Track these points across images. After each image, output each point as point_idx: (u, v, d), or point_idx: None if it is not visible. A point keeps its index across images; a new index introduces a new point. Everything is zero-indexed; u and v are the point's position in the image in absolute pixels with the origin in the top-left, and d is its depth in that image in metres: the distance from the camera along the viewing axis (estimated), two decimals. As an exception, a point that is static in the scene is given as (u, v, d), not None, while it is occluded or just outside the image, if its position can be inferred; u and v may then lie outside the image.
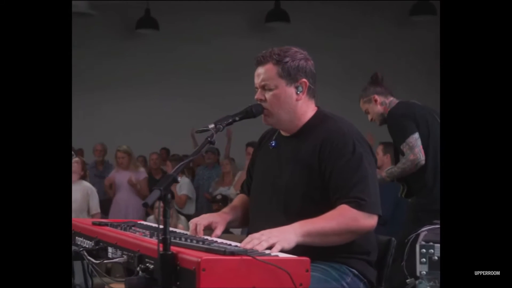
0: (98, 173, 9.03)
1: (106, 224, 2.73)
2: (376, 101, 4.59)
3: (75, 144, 9.39)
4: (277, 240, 2.31)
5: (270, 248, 2.29)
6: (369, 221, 2.52)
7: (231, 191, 8.04)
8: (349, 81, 10.41)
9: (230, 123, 2.59)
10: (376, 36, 11.04)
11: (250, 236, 2.35)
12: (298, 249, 2.33)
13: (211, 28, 11.33)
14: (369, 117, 4.66)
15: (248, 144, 7.75)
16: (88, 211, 6.72)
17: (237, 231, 7.23)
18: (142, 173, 8.50)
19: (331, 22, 11.09)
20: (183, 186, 8.26)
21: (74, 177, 6.62)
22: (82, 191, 6.68)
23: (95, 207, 6.76)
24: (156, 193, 2.11)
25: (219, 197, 7.77)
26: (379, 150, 6.11)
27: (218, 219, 2.74)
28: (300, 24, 10.77)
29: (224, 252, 2.06)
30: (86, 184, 6.86)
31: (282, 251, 2.29)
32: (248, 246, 2.25)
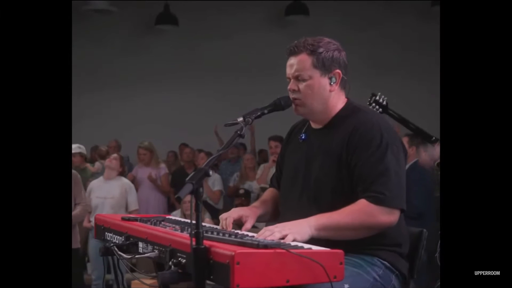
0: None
1: (135, 219, 2.73)
2: None
3: (95, 139, 9.46)
4: (290, 232, 2.31)
5: (282, 239, 2.29)
6: (388, 216, 2.48)
7: (254, 185, 8.03)
8: (369, 74, 10.38)
9: (259, 116, 2.58)
10: (396, 29, 10.97)
11: (264, 228, 2.35)
12: (329, 242, 2.32)
13: (230, 23, 11.33)
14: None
15: (271, 138, 7.72)
16: (126, 208, 6.76)
17: (262, 225, 7.22)
18: (163, 169, 8.54)
19: (351, 15, 11.05)
20: (217, 181, 8.30)
21: (113, 173, 6.71)
22: (120, 187, 6.74)
23: (134, 203, 6.82)
24: (188, 187, 2.11)
25: (241, 191, 7.75)
26: (405, 142, 6.07)
27: (248, 213, 2.73)
28: (320, 17, 10.74)
29: (257, 246, 2.05)
30: (124, 180, 6.92)
31: (295, 241, 2.29)
32: (260, 238, 2.26)
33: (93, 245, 6.55)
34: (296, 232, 2.33)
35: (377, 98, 4.12)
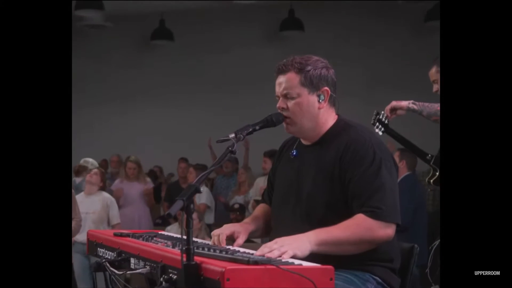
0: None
1: (127, 235, 2.73)
2: None
3: (92, 155, 9.46)
4: (290, 248, 2.32)
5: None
6: (385, 231, 2.49)
7: (251, 195, 8.03)
8: (364, 89, 10.43)
9: (251, 132, 2.59)
10: (391, 44, 11.01)
11: (263, 245, 2.35)
12: (320, 258, 2.32)
13: (225, 38, 11.38)
14: (435, 88, 4.48)
15: (266, 154, 7.72)
16: (108, 222, 6.73)
17: (259, 240, 7.22)
18: (149, 184, 8.56)
19: (345, 30, 11.09)
20: (202, 195, 8.24)
21: (94, 188, 6.71)
22: (102, 202, 6.72)
23: (116, 217, 6.79)
24: (179, 204, 2.12)
25: (236, 206, 7.75)
26: (395, 157, 6.09)
27: (240, 229, 2.73)
28: (315, 32, 10.78)
29: (248, 262, 2.06)
30: (105, 195, 6.90)
31: (295, 258, 2.29)
32: (258, 254, 2.26)
33: (78, 259, 6.51)
34: (296, 247, 2.33)
35: (380, 117, 4.17)
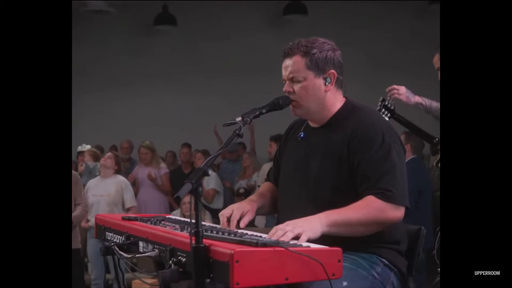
0: (125, 170, 9.07)
1: (136, 219, 2.75)
2: None
3: (97, 141, 9.49)
4: (302, 230, 2.32)
5: (295, 238, 2.30)
6: (395, 212, 2.51)
7: (255, 179, 8.05)
8: (368, 73, 10.39)
9: (257, 116, 2.59)
10: (394, 28, 10.97)
11: (275, 228, 2.35)
12: (327, 240, 2.33)
13: (229, 23, 11.33)
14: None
15: (272, 138, 7.73)
16: (123, 205, 6.80)
17: (261, 224, 7.25)
18: (163, 169, 8.56)
19: (349, 14, 11.04)
20: (211, 180, 8.28)
21: (109, 172, 6.77)
22: (116, 185, 6.80)
23: (130, 200, 6.86)
24: (188, 187, 2.13)
25: (241, 190, 7.78)
26: (401, 139, 6.10)
27: (248, 207, 2.74)
28: (318, 16, 10.74)
29: (256, 244, 2.07)
30: (120, 178, 6.97)
31: (308, 240, 2.30)
32: (273, 238, 2.26)
33: (92, 245, 6.58)
34: (308, 229, 2.34)
35: (386, 103, 4.17)
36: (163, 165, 8.68)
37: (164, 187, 8.45)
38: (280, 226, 2.35)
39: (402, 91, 4.22)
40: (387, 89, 4.20)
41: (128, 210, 6.72)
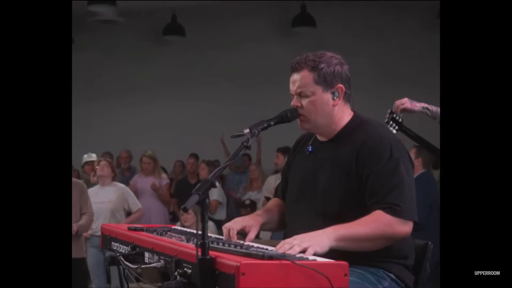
0: (125, 179, 9.10)
1: (142, 230, 2.74)
2: None
3: (102, 148, 9.52)
4: (310, 245, 2.31)
5: (302, 253, 2.28)
6: (403, 227, 2.49)
7: (255, 195, 8.03)
8: (377, 84, 10.40)
9: (265, 128, 2.59)
10: (403, 39, 10.98)
11: (282, 242, 2.34)
12: (334, 254, 2.32)
13: (237, 34, 11.38)
14: None
15: (279, 150, 7.71)
16: (128, 211, 6.87)
17: (266, 236, 7.22)
18: (164, 179, 8.58)
19: (357, 26, 11.06)
20: (214, 191, 8.26)
21: (107, 180, 6.77)
22: (116, 192, 6.83)
23: (135, 204, 6.93)
24: (195, 198, 2.12)
25: (247, 202, 7.76)
26: (412, 154, 6.07)
27: (252, 222, 2.73)
28: (326, 28, 10.76)
29: (262, 256, 2.06)
30: (119, 184, 7.01)
31: (315, 254, 2.29)
32: (280, 251, 2.25)
33: (92, 254, 6.55)
34: (315, 244, 2.32)
35: (394, 115, 4.15)
36: (164, 175, 8.70)
37: (165, 197, 8.48)
38: (288, 240, 2.34)
39: (404, 100, 4.19)
40: (393, 108, 4.17)
41: (136, 213, 6.82)
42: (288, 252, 2.24)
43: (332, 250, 2.37)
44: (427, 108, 4.13)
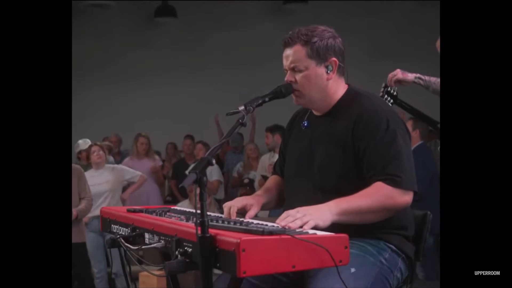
0: (116, 163, 9.09)
1: (141, 211, 2.74)
2: None
3: (98, 134, 9.49)
4: (312, 218, 2.31)
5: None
6: (404, 197, 2.49)
7: (257, 174, 8.04)
8: (369, 60, 10.38)
9: (260, 104, 2.58)
10: (395, 15, 10.94)
11: (286, 213, 2.34)
12: (334, 227, 2.32)
13: (229, 13, 11.32)
14: None
15: (268, 129, 7.67)
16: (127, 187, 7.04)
17: (264, 213, 7.23)
18: (158, 161, 8.65)
19: (349, 3, 11.01)
20: (214, 171, 8.29)
21: (102, 163, 6.81)
22: (112, 171, 6.91)
23: (133, 175, 7.09)
24: (192, 177, 2.12)
25: (246, 181, 7.77)
26: (409, 126, 6.08)
27: (252, 201, 2.73)
28: (318, 4, 10.71)
29: (262, 232, 2.06)
30: (111, 165, 7.16)
31: (317, 228, 2.29)
32: (283, 223, 2.26)
33: (91, 238, 6.55)
34: (317, 217, 2.32)
35: (389, 89, 4.14)
36: (157, 157, 8.76)
37: (159, 179, 8.54)
38: (291, 211, 2.33)
39: (396, 72, 4.17)
40: (387, 82, 4.16)
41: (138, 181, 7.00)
42: (290, 225, 2.24)
43: (331, 224, 2.37)
44: (419, 78, 4.12)
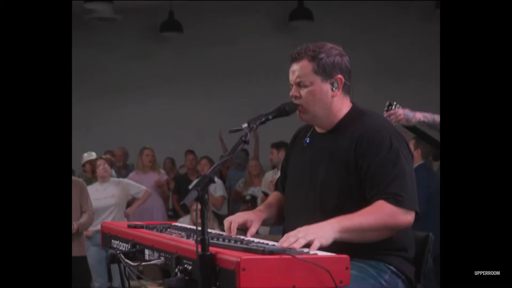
0: (122, 177, 9.08)
1: (142, 227, 2.74)
2: None
3: (102, 145, 9.51)
4: (314, 237, 2.29)
5: (307, 245, 2.27)
6: (406, 217, 2.49)
7: (257, 191, 8.03)
8: (374, 77, 10.38)
9: (264, 122, 2.58)
10: (401, 32, 10.96)
11: (286, 235, 2.32)
12: (335, 247, 2.31)
13: (234, 29, 11.36)
14: None
15: (273, 145, 7.68)
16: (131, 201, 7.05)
17: (264, 231, 7.22)
18: (163, 175, 8.62)
19: (354, 20, 11.04)
20: (218, 187, 8.29)
21: (107, 177, 6.81)
22: (117, 185, 6.92)
23: (139, 189, 7.10)
24: (194, 194, 2.11)
25: (248, 197, 7.75)
26: (411, 145, 6.07)
27: (253, 217, 2.72)
28: (324, 22, 10.73)
29: (263, 252, 2.05)
30: (116, 178, 7.12)
31: (319, 248, 2.28)
32: (285, 245, 2.24)
33: (93, 252, 6.54)
34: (320, 236, 2.31)
35: (392, 107, 4.15)
36: (162, 171, 8.74)
37: (166, 193, 8.54)
38: (292, 233, 2.32)
39: (399, 113, 4.18)
40: (393, 120, 4.17)
41: (143, 196, 7.02)
42: (293, 245, 2.23)
43: (332, 243, 2.35)
44: (425, 117, 4.15)
